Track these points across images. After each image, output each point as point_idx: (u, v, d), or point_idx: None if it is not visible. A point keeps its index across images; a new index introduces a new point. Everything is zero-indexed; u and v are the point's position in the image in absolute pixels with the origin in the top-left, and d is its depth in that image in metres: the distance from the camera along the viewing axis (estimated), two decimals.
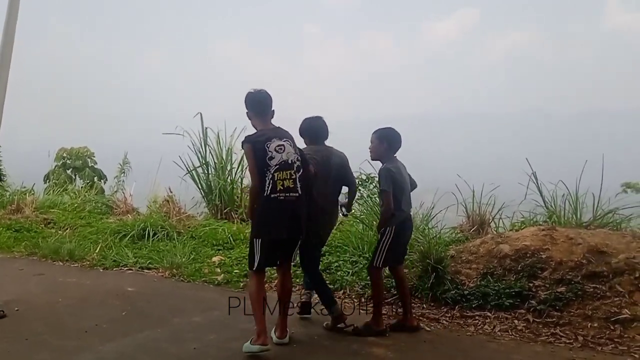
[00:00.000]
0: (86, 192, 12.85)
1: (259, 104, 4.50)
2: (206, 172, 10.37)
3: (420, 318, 5.19)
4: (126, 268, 7.29)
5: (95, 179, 15.59)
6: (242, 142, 4.43)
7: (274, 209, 4.26)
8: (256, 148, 4.28)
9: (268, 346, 4.18)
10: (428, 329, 4.94)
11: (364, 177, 9.28)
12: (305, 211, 4.41)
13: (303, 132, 5.12)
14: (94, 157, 16.36)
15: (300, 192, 4.32)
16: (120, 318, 5.15)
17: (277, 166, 4.23)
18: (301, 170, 4.36)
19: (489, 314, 5.14)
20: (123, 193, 11.99)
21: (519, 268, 5.50)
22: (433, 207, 7.58)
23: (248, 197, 4.51)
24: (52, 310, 5.40)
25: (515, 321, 4.98)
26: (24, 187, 12.64)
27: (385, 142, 4.82)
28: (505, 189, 7.82)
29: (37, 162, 16.00)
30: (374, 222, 7.29)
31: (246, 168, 10.08)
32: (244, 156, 5.07)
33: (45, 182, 15.04)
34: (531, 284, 5.30)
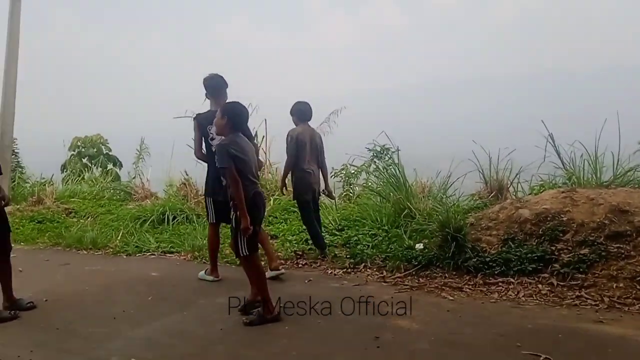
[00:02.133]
0: (103, 179, 12.97)
1: (214, 89, 5.50)
2: None
3: (443, 287, 5.21)
4: (149, 253, 7.39)
5: (111, 165, 15.69)
6: (193, 118, 5.68)
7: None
8: (201, 125, 5.52)
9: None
10: (451, 298, 4.96)
11: (378, 149, 9.25)
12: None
13: (293, 112, 6.41)
14: (107, 144, 16.44)
15: None
16: (147, 303, 5.23)
17: None
18: None
19: (512, 280, 5.14)
20: (140, 179, 12.09)
21: (540, 232, 5.47)
22: (450, 175, 7.54)
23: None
24: (80, 299, 5.50)
25: (539, 286, 4.98)
26: (43, 179, 12.80)
27: (227, 118, 4.50)
28: (521, 153, 7.73)
29: (53, 152, 16.16)
30: (391, 194, 7.29)
31: (260, 147, 10.11)
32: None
33: (62, 172, 15.21)
34: (553, 248, 5.28)
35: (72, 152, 16.02)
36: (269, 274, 5.48)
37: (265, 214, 5.21)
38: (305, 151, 6.23)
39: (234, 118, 4.47)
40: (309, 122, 6.48)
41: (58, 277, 6.40)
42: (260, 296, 4.58)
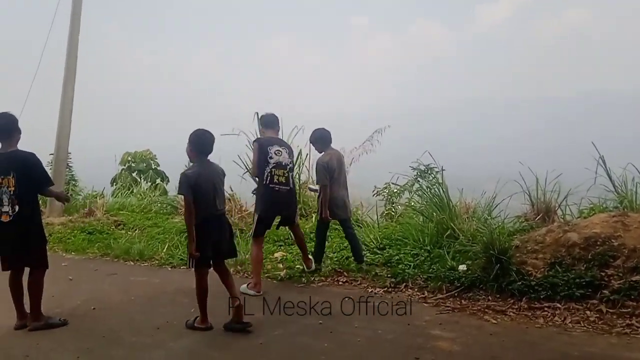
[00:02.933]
0: (151, 193, 13.34)
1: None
2: None
3: (486, 310, 5.10)
4: None
5: (158, 180, 16.13)
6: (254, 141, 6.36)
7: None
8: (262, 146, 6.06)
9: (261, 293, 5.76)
10: (494, 321, 4.84)
11: (422, 168, 9.18)
12: None
13: (315, 140, 6.69)
14: (156, 159, 16.93)
15: None
16: (189, 315, 5.31)
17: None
18: None
19: (558, 305, 4.98)
20: None
21: (589, 257, 5.28)
22: (495, 197, 7.40)
23: None
24: (126, 309, 5.66)
25: (587, 312, 4.80)
26: (95, 191, 13.27)
27: (192, 145, 4.79)
28: (571, 175, 7.51)
29: (105, 166, 16.73)
30: (434, 214, 7.21)
31: (303, 164, 10.24)
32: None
33: (112, 185, 15.72)
34: (603, 273, 5.08)
35: (123, 167, 16.56)
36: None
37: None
38: (335, 177, 6.52)
39: (196, 145, 4.79)
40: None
41: (106, 286, 6.59)
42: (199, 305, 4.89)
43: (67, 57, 11.98)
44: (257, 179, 6.21)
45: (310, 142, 6.87)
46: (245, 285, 6.00)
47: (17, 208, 4.76)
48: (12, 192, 4.75)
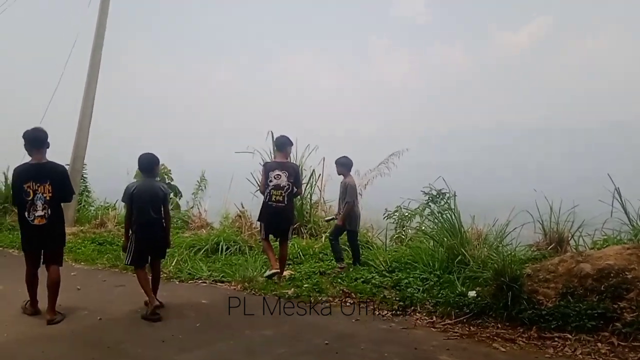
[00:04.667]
0: None
1: (280, 145, 7.40)
2: None
3: (495, 338, 5.02)
4: (200, 281, 7.51)
5: (172, 195, 16.19)
6: (263, 165, 7.61)
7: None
8: (266, 169, 7.33)
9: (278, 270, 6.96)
10: (503, 349, 4.77)
11: (434, 193, 9.13)
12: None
13: (343, 164, 7.68)
14: (170, 174, 17.00)
15: None
16: (195, 329, 5.31)
17: None
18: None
19: (569, 335, 4.89)
20: (198, 209, 12.41)
21: (602, 288, 5.20)
22: (507, 224, 7.34)
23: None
24: (132, 320, 5.65)
25: (599, 344, 4.71)
26: (107, 203, 13.34)
27: (139, 164, 6.01)
28: (586, 206, 7.43)
29: (118, 178, 16.82)
30: (445, 239, 7.17)
31: (315, 184, 10.27)
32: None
33: None
34: (616, 306, 5.00)
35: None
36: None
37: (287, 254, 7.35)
38: (357, 197, 7.80)
39: (140, 167, 6.01)
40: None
41: (113, 297, 6.60)
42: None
43: (89, 70, 12.21)
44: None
45: (336, 164, 7.76)
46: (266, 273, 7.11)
47: (50, 212, 5.45)
48: (46, 198, 5.42)
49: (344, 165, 7.70)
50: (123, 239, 6.21)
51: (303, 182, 10.37)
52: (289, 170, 7.17)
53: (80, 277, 7.86)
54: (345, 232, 7.68)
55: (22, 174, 5.47)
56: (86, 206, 13.51)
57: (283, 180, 7.08)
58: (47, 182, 5.41)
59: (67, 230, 10.87)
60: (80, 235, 10.63)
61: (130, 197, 5.84)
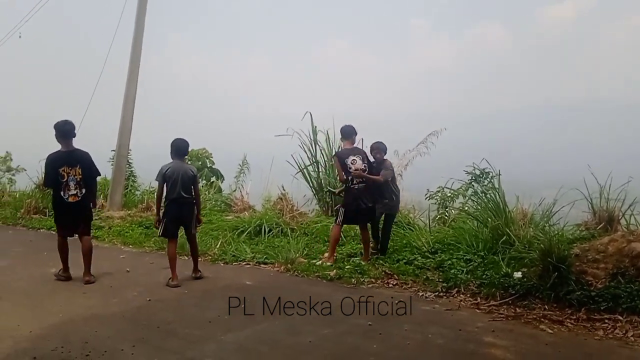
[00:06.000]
0: (206, 191, 13.62)
1: (346, 134, 7.57)
2: (317, 170, 10.59)
3: (542, 319, 4.93)
4: (244, 262, 7.64)
5: (214, 178, 16.45)
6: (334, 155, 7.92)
7: None
8: (341, 157, 7.40)
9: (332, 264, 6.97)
10: (550, 331, 4.67)
11: (477, 172, 8.97)
12: None
13: (383, 150, 7.59)
14: (211, 157, 17.26)
15: None
16: (240, 310, 5.40)
17: None
18: None
19: (620, 317, 4.76)
20: (240, 192, 12.58)
21: None
22: (554, 204, 7.15)
23: None
24: (179, 302, 5.80)
25: None
26: (152, 188, 13.67)
27: (172, 148, 6.71)
28: (637, 183, 7.15)
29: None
30: (489, 220, 7.05)
31: None
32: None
33: None
34: None
35: None
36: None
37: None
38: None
39: (173, 150, 6.71)
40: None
41: (161, 279, 6.77)
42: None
43: (131, 60, 12.42)
44: (342, 183, 7.50)
45: (373, 149, 7.63)
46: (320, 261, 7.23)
47: (83, 191, 6.52)
48: (78, 180, 6.46)
49: (383, 150, 7.70)
50: (154, 216, 7.09)
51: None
52: (361, 154, 7.44)
53: (129, 259, 8.11)
54: (383, 216, 7.57)
55: (57, 160, 6.45)
56: (132, 190, 13.87)
57: (359, 164, 7.24)
58: (77, 165, 6.47)
59: (116, 214, 11.32)
60: (127, 219, 10.94)
61: (163, 176, 6.56)
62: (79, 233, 6.66)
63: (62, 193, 6.42)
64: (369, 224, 7.43)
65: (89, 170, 6.60)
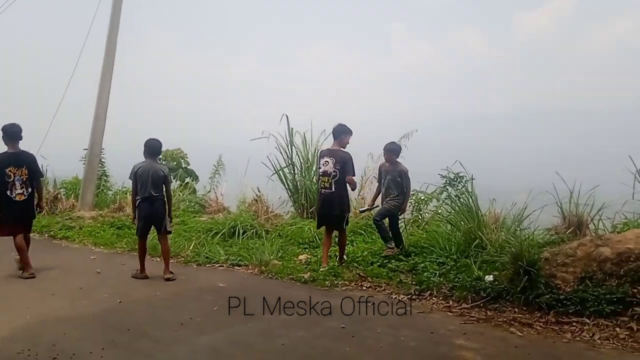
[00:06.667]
0: (180, 191, 13.50)
1: (337, 132, 7.20)
2: (292, 172, 10.59)
3: (512, 322, 5.00)
4: (218, 264, 7.59)
5: (188, 179, 16.29)
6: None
7: None
8: None
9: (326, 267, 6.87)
10: (520, 333, 4.75)
11: (451, 176, 9.05)
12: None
13: (398, 152, 7.51)
14: (187, 158, 17.10)
15: None
16: (213, 312, 5.37)
17: None
18: None
19: (587, 320, 4.85)
20: (215, 193, 12.49)
21: (621, 273, 5.13)
22: (525, 208, 7.26)
23: None
24: (151, 303, 5.74)
25: (617, 329, 4.67)
26: (125, 187, 13.49)
27: (144, 148, 6.92)
28: (605, 189, 7.31)
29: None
30: (462, 223, 7.13)
31: None
32: None
33: None
34: (635, 290, 4.92)
35: None
36: None
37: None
38: None
39: (145, 150, 6.91)
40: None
41: (132, 280, 6.70)
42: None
43: (105, 56, 12.24)
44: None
45: (386, 151, 7.47)
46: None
47: (30, 190, 6.89)
48: (24, 180, 6.83)
49: (392, 151, 7.48)
50: (131, 213, 7.46)
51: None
52: (336, 157, 7.03)
53: (99, 260, 8.00)
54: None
55: (4, 161, 6.77)
56: (104, 190, 13.67)
57: (330, 167, 6.98)
58: (23, 166, 6.84)
59: (87, 214, 11.13)
60: (99, 219, 10.78)
61: (135, 175, 6.76)
62: (23, 231, 6.95)
63: (9, 192, 6.74)
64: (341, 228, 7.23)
65: (34, 171, 6.98)
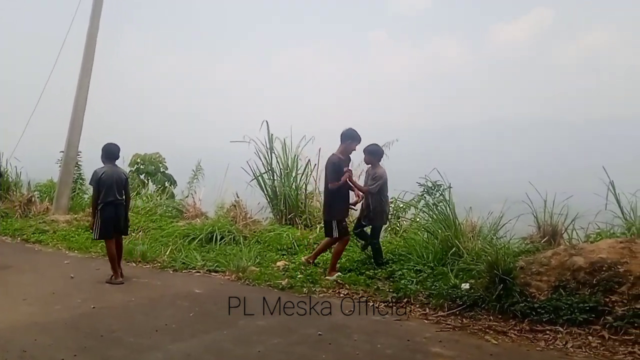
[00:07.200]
0: (158, 196, 13.35)
1: (346, 137, 7.14)
2: (272, 178, 10.56)
3: (487, 330, 5.05)
4: (194, 270, 7.52)
5: (167, 183, 16.12)
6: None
7: None
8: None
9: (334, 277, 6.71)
10: (495, 341, 4.79)
11: (429, 185, 9.12)
12: None
13: (381, 154, 7.36)
14: (165, 162, 16.91)
15: None
16: (188, 319, 5.31)
17: None
18: None
19: (560, 329, 4.92)
20: (193, 198, 12.38)
21: (594, 282, 5.23)
22: (501, 217, 7.35)
23: None
24: (126, 309, 5.66)
25: (590, 337, 4.74)
26: None
27: (103, 153, 7.03)
28: (579, 199, 7.45)
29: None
30: (439, 231, 7.18)
31: (310, 175, 10.26)
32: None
33: None
34: (607, 299, 5.02)
35: (131, 169, 16.56)
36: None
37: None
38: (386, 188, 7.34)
39: (105, 155, 7.02)
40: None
41: (107, 286, 6.60)
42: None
43: (84, 56, 12.08)
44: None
45: (365, 152, 7.26)
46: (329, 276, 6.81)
47: None
48: None
49: (372, 154, 7.27)
50: (90, 219, 7.33)
51: (299, 172, 10.38)
52: (326, 163, 7.10)
53: (73, 265, 7.87)
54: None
55: None
56: (80, 194, 13.44)
57: (324, 174, 7.11)
58: None
59: (61, 218, 10.95)
60: (73, 223, 10.61)
61: (98, 181, 6.80)
62: None
63: None
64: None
65: None
